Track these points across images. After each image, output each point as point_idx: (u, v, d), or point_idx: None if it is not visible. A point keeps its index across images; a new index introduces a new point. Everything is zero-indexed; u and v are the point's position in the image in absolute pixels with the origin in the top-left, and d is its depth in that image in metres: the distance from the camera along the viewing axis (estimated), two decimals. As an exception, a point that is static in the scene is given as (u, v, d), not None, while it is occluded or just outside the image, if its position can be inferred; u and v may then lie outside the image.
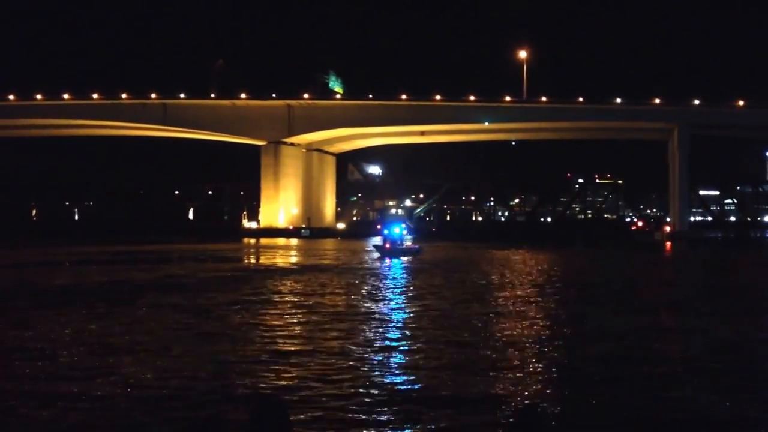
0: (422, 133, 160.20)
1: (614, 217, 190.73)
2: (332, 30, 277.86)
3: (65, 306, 34.45)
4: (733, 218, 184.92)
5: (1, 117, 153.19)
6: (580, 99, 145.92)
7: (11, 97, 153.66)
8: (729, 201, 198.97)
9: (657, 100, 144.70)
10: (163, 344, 24.63)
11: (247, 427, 6.86)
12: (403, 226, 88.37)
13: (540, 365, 21.79)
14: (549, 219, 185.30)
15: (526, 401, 17.14)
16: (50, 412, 16.45)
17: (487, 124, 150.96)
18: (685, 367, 21.79)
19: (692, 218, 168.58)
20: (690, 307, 37.33)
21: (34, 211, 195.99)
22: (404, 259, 73.64)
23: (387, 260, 72.01)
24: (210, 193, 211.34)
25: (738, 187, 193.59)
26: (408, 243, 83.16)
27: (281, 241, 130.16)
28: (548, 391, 18.58)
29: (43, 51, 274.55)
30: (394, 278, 53.61)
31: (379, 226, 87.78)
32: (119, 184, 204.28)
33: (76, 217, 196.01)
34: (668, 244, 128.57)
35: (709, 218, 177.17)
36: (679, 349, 25.31)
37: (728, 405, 17.33)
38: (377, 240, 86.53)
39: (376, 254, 78.62)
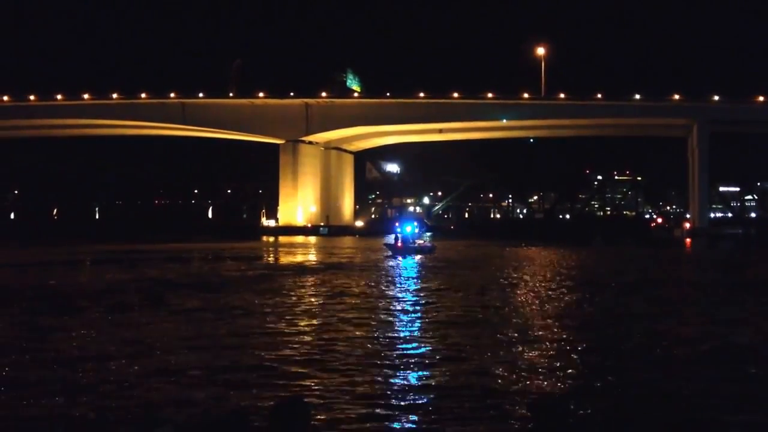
0: (440, 131, 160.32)
1: (633, 213, 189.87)
2: (349, 28, 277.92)
3: (90, 307, 34.78)
4: (753, 214, 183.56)
5: (21, 117, 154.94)
6: (599, 96, 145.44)
7: (32, 97, 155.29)
8: (749, 197, 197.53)
9: (676, 96, 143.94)
10: (185, 344, 24.91)
11: (268, 425, 7.03)
12: (416, 224, 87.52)
13: (550, 362, 21.85)
14: (568, 216, 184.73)
15: (545, 397, 17.23)
16: (71, 407, 16.74)
17: (505, 121, 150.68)
18: (706, 366, 21.80)
19: (712, 215, 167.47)
20: (713, 304, 37.21)
21: (54, 210, 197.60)
22: (417, 257, 72.58)
23: (399, 259, 70.86)
24: (229, 191, 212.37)
25: (758, 183, 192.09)
26: (421, 241, 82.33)
27: (300, 239, 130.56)
28: (568, 386, 18.67)
29: (62, 51, 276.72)
30: (403, 277, 53.45)
31: (397, 224, 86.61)
32: (139, 183, 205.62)
33: (97, 216, 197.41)
34: (688, 241, 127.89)
35: (730, 214, 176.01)
36: (706, 349, 25.28)
37: (743, 404, 17.35)
38: (390, 238, 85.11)
39: (388, 252, 77.15)
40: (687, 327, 29.69)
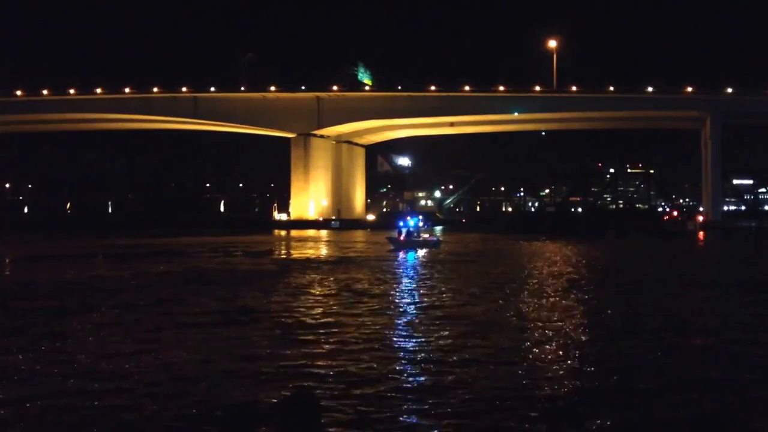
0: (452, 124, 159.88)
1: (646, 207, 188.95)
2: (361, 22, 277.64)
3: (107, 301, 34.97)
4: (767, 207, 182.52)
5: (35, 112, 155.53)
6: (611, 88, 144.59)
7: (45, 92, 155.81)
8: (763, 190, 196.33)
9: (689, 89, 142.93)
10: (199, 339, 25.07)
11: (276, 416, 7.11)
12: (420, 217, 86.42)
13: (556, 360, 21.85)
14: (580, 209, 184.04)
15: (557, 398, 17.26)
16: (92, 400, 16.91)
17: (516, 114, 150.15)
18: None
19: (725, 208, 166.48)
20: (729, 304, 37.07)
21: (68, 204, 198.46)
22: (420, 252, 71.43)
23: (401, 253, 69.75)
24: (240, 185, 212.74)
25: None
26: (426, 235, 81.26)
27: (311, 232, 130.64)
28: (580, 387, 18.67)
29: (75, 46, 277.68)
30: (404, 272, 53.29)
31: (408, 218, 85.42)
32: (151, 177, 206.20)
33: (110, 210, 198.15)
34: (701, 234, 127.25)
35: (743, 207, 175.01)
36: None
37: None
38: (394, 232, 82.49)
39: (391, 247, 75.79)
40: (706, 328, 29.57)
